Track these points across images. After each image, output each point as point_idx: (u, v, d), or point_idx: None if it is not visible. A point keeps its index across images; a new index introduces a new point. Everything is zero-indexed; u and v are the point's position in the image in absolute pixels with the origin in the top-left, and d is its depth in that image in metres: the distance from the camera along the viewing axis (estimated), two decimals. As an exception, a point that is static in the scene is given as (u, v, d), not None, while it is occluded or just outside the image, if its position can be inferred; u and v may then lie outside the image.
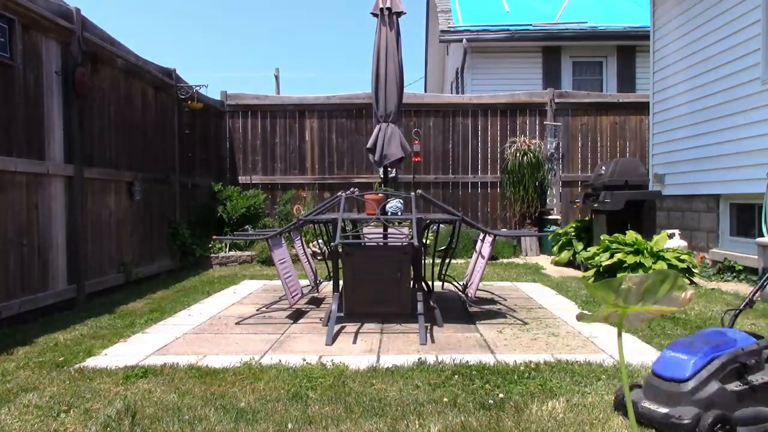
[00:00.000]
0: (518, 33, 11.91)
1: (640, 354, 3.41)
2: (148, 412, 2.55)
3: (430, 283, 4.98)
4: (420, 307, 3.97)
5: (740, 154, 6.20)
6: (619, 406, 2.51)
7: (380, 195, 5.22)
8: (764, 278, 2.83)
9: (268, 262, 7.65)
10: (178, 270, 7.26)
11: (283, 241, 4.93)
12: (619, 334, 1.01)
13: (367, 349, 3.61)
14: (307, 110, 9.56)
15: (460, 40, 11.97)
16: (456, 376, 3.01)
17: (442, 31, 12.18)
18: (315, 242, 8.06)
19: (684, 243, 6.66)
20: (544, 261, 8.19)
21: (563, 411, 2.54)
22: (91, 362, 3.33)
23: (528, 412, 2.53)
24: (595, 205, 6.93)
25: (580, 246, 7.28)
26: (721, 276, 6.26)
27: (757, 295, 2.71)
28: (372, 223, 5.19)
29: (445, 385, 2.87)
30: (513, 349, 3.62)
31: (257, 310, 4.81)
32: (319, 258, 7.81)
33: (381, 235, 5.19)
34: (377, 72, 5.56)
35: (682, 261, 5.71)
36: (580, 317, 1.06)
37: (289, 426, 2.42)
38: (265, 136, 9.57)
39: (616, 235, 6.05)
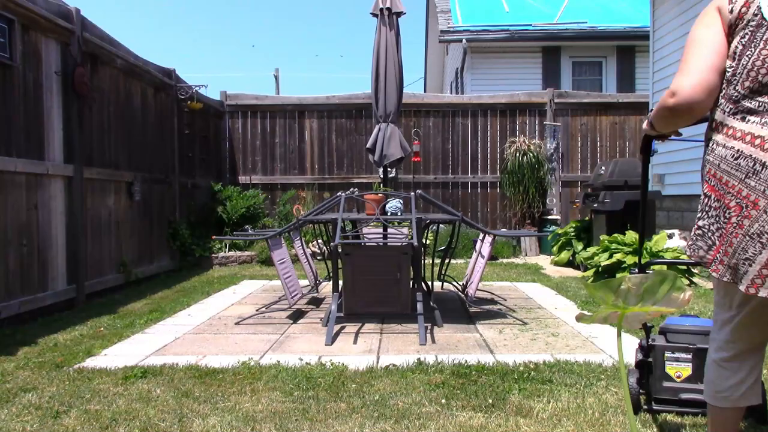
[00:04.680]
0: (518, 33, 11.92)
1: (640, 354, 3.41)
2: (147, 413, 2.55)
3: (429, 283, 4.98)
4: (420, 307, 3.97)
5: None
6: None
7: (380, 195, 5.22)
8: None
9: (267, 262, 7.66)
10: (178, 270, 7.26)
11: (283, 242, 4.93)
12: (619, 335, 1.01)
13: (366, 350, 3.61)
14: (306, 110, 9.56)
15: (460, 41, 11.98)
16: (455, 377, 3.01)
17: (442, 32, 12.19)
18: (315, 242, 8.06)
19: (683, 243, 6.65)
20: (544, 261, 8.19)
21: (563, 411, 2.54)
22: (90, 362, 3.33)
23: (527, 413, 2.53)
24: (595, 205, 6.93)
25: (579, 246, 7.28)
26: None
27: None
28: (372, 223, 5.20)
29: (445, 386, 2.87)
30: (512, 349, 3.62)
31: (257, 310, 4.81)
32: (319, 258, 7.81)
33: (381, 235, 5.19)
34: (377, 72, 5.56)
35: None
36: (579, 318, 1.06)
37: (289, 426, 2.42)
38: (265, 136, 9.57)
39: (615, 235, 6.06)
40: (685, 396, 2.45)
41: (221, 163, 9.40)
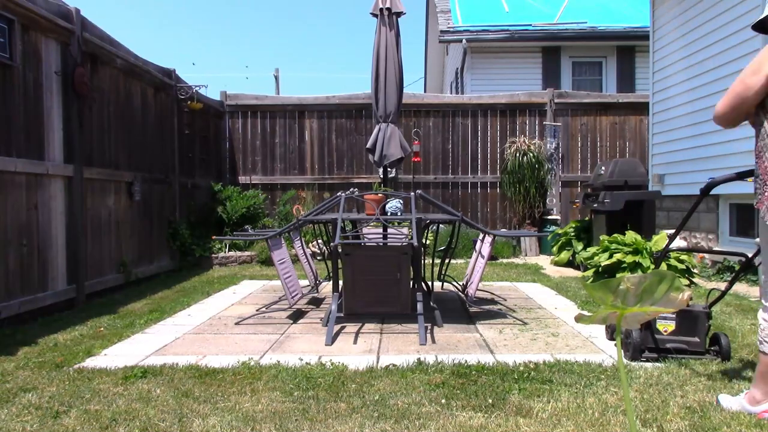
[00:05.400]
0: (518, 33, 11.91)
1: (640, 354, 3.41)
2: (147, 413, 2.55)
3: (429, 283, 4.98)
4: (420, 307, 3.97)
5: (740, 154, 6.20)
6: None
7: (380, 195, 5.22)
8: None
9: (267, 262, 7.66)
10: (178, 270, 7.26)
11: (283, 242, 4.93)
12: (618, 334, 1.01)
13: (366, 350, 3.61)
14: (306, 110, 9.56)
15: (460, 41, 11.97)
16: (455, 377, 3.01)
17: (442, 32, 12.19)
18: (315, 242, 8.06)
19: (683, 243, 6.65)
20: (544, 261, 8.19)
21: (563, 411, 2.54)
22: (90, 362, 3.33)
23: (527, 413, 2.53)
24: (595, 205, 6.93)
25: (579, 246, 7.28)
26: (721, 276, 6.26)
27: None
28: (372, 223, 5.20)
29: (445, 386, 2.87)
30: (512, 349, 3.62)
31: (257, 310, 4.81)
32: (319, 258, 7.81)
33: (381, 235, 5.19)
34: (377, 72, 5.56)
35: (682, 261, 5.71)
36: (578, 318, 1.06)
37: (289, 426, 2.42)
38: (265, 137, 9.57)
39: (615, 235, 6.05)
40: (669, 345, 3.27)
41: (221, 163, 9.40)
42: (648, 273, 1.00)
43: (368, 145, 5.83)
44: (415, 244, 3.95)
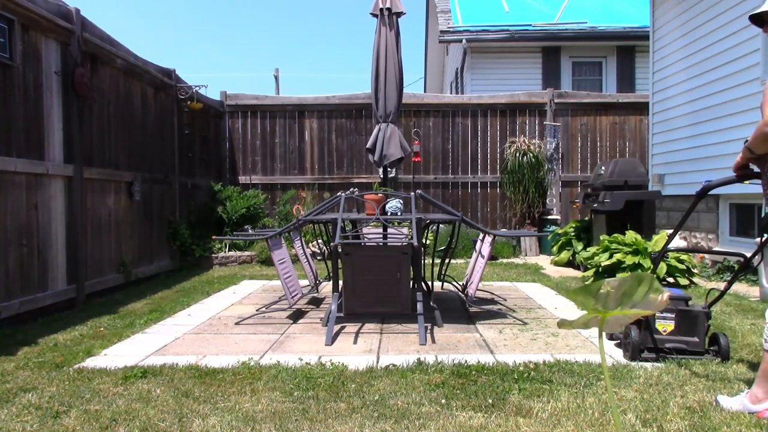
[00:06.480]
0: (518, 33, 11.92)
1: (640, 354, 3.41)
2: (147, 413, 2.55)
3: (429, 283, 4.98)
4: (420, 307, 3.97)
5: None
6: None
7: (380, 195, 5.22)
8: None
9: (267, 262, 7.66)
10: (178, 270, 7.26)
11: (283, 242, 4.93)
12: (600, 336, 1.01)
13: (366, 350, 3.61)
14: (306, 110, 9.56)
15: (460, 41, 11.98)
16: (455, 377, 3.01)
17: (442, 32, 12.19)
18: (315, 242, 8.06)
19: (683, 243, 6.65)
20: (544, 261, 8.19)
21: (563, 411, 2.54)
22: (90, 362, 3.33)
23: (527, 413, 2.53)
24: (595, 205, 6.93)
25: (579, 246, 7.28)
26: (721, 276, 6.26)
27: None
28: (372, 223, 5.20)
29: (445, 386, 2.87)
30: (512, 349, 3.62)
31: (257, 310, 4.81)
32: (319, 258, 7.81)
33: (381, 235, 5.19)
34: (377, 72, 5.57)
35: (682, 261, 5.71)
36: (560, 324, 1.06)
37: (289, 426, 2.42)
38: (265, 137, 9.57)
39: (615, 235, 6.05)
40: (668, 345, 3.25)
41: (221, 163, 9.41)
42: (627, 276, 1.01)
43: (368, 145, 5.83)
44: (415, 244, 3.95)
